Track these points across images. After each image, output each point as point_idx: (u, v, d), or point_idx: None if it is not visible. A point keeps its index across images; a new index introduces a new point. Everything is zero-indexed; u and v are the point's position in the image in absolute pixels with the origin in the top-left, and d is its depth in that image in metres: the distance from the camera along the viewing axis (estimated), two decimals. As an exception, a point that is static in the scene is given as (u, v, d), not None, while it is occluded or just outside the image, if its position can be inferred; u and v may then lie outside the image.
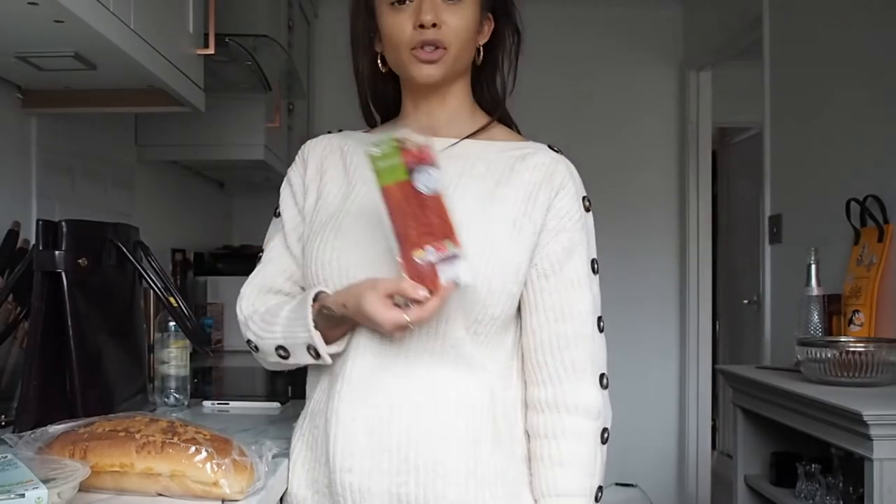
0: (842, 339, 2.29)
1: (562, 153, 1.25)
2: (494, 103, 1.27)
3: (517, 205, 1.17)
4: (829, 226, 2.67)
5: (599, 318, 1.23)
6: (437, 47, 1.15)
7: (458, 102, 1.23)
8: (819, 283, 2.47)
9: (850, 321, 2.42)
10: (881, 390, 2.02)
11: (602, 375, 1.21)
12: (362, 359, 1.13)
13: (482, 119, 1.25)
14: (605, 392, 1.21)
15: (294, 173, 1.28)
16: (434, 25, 1.14)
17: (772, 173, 3.19)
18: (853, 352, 2.06)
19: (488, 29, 1.23)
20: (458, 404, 1.12)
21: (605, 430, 1.20)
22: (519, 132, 1.30)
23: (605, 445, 1.21)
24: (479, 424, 1.13)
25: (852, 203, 2.50)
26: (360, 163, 1.18)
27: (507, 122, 1.29)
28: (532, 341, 1.19)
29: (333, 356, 1.15)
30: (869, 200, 2.45)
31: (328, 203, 1.22)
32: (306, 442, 1.21)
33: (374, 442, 1.11)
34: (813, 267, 2.47)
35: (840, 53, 2.71)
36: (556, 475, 1.18)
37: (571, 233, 1.19)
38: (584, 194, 1.23)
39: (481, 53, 1.23)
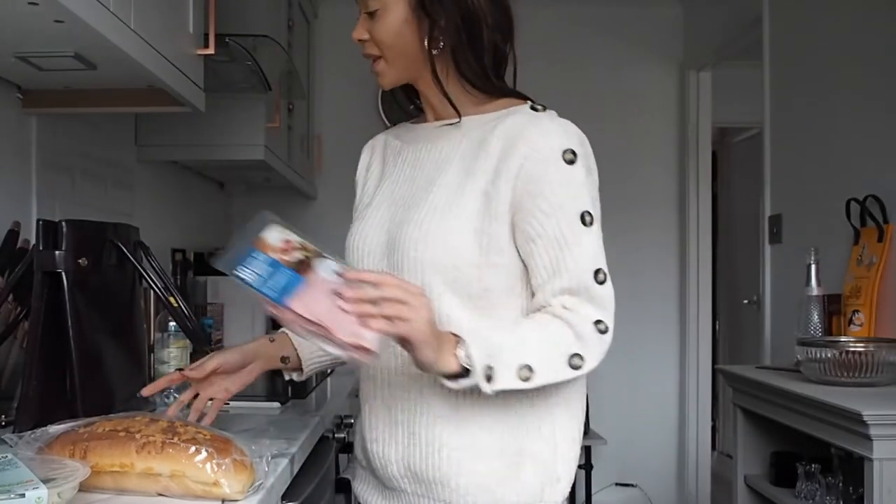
0: (842, 339, 2.29)
1: (544, 109, 1.27)
2: (480, 82, 1.28)
3: (487, 174, 1.21)
4: (828, 226, 2.67)
5: (597, 271, 1.19)
6: (374, 59, 1.28)
7: (435, 91, 1.27)
8: (819, 283, 2.47)
9: (850, 321, 2.42)
10: (881, 390, 2.02)
11: (599, 321, 1.18)
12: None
13: (479, 97, 1.28)
14: (604, 337, 1.19)
15: (357, 173, 1.45)
16: (362, 41, 1.27)
17: (772, 173, 3.19)
18: (853, 352, 2.06)
19: (426, 24, 1.24)
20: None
21: (578, 355, 1.16)
22: (527, 98, 1.31)
23: (571, 371, 1.16)
24: (481, 401, 1.18)
25: (852, 203, 2.50)
26: (391, 156, 1.36)
27: (513, 93, 1.31)
28: (536, 303, 1.21)
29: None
30: (869, 200, 2.45)
31: (365, 195, 1.38)
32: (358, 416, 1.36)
33: (390, 417, 1.25)
34: (813, 267, 2.47)
35: (840, 53, 2.71)
36: (521, 325, 1.19)
37: (548, 193, 1.19)
38: (567, 147, 1.21)
39: (441, 44, 1.24)
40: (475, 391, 1.14)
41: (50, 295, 1.28)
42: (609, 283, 1.20)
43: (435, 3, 1.23)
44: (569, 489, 1.25)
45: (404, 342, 1.08)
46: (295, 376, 1.40)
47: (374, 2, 1.25)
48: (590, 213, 1.21)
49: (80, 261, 1.29)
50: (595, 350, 1.18)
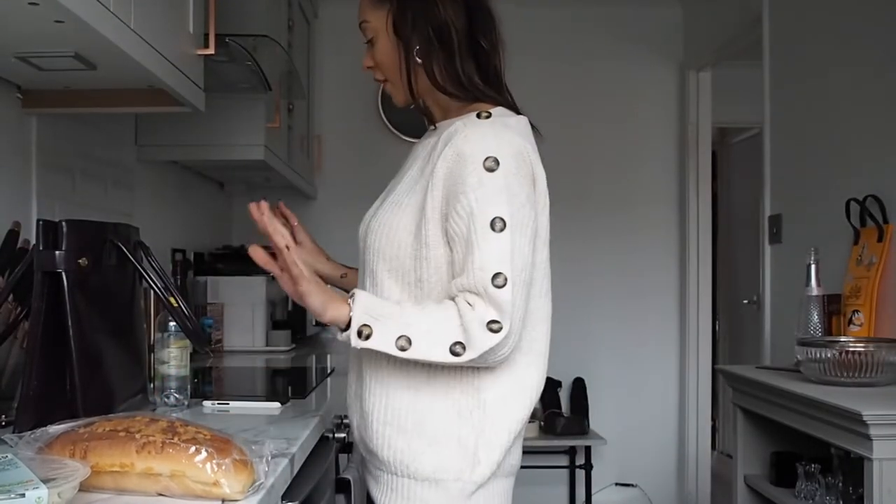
0: (841, 339, 2.29)
1: (489, 117, 1.35)
2: (455, 88, 1.41)
3: (429, 176, 1.33)
4: (828, 226, 2.67)
5: (497, 275, 1.25)
6: (382, 82, 1.48)
7: (434, 102, 1.46)
8: (819, 283, 2.47)
9: (850, 321, 2.42)
10: (881, 390, 2.02)
11: (493, 321, 1.24)
12: None
13: (459, 103, 1.42)
14: (495, 336, 1.24)
15: None
16: (370, 68, 1.48)
17: (772, 173, 3.19)
18: (853, 352, 2.06)
19: (402, 44, 1.41)
20: (385, 356, 1.31)
21: (460, 344, 1.24)
22: (501, 102, 1.41)
23: (451, 356, 1.25)
24: (415, 387, 1.34)
25: (852, 203, 2.50)
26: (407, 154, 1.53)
27: (491, 98, 1.42)
28: (448, 294, 1.32)
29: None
30: (868, 200, 2.45)
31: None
32: None
33: (354, 391, 1.45)
34: (813, 267, 2.47)
35: (840, 53, 2.71)
36: (416, 306, 1.31)
37: (463, 197, 1.28)
38: (490, 155, 1.28)
39: (418, 60, 1.40)
40: (408, 369, 1.32)
41: (50, 295, 1.28)
42: (509, 286, 1.25)
43: (403, 26, 1.39)
44: (490, 470, 1.34)
45: (297, 291, 1.25)
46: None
47: (369, 31, 1.45)
48: (502, 220, 1.26)
49: (80, 261, 1.29)
50: (479, 342, 1.24)
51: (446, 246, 1.32)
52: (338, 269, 1.62)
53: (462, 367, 1.32)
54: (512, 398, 1.36)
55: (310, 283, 1.25)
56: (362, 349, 1.26)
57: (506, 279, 1.24)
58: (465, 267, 1.27)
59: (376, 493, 1.40)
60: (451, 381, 1.34)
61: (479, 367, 1.31)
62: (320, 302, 1.25)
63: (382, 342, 1.24)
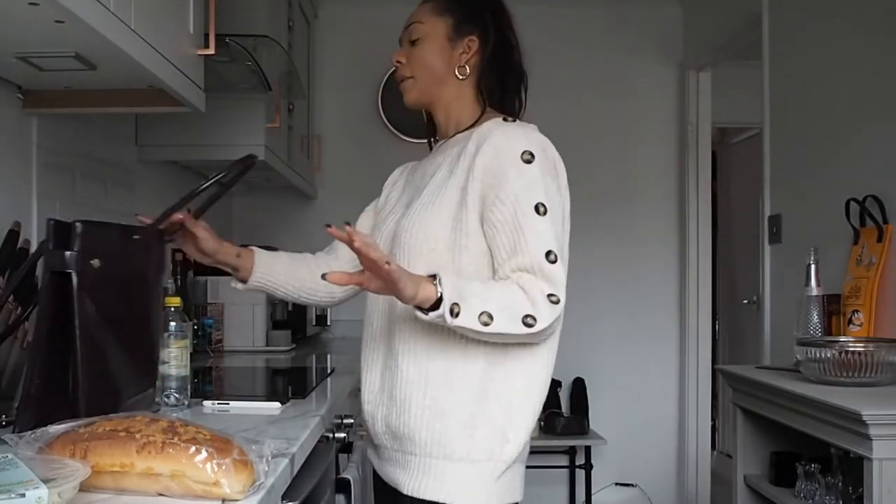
0: (841, 339, 2.29)
1: (515, 120, 1.51)
2: (493, 101, 1.57)
3: (464, 173, 1.44)
4: (828, 226, 2.67)
5: (549, 252, 1.37)
6: (404, 78, 1.57)
7: (445, 111, 1.58)
8: (819, 283, 2.47)
9: (850, 321, 2.42)
10: (880, 390, 2.02)
11: (551, 294, 1.35)
12: (376, 315, 1.54)
13: (478, 113, 1.55)
14: (555, 307, 1.36)
15: (386, 182, 1.77)
16: (400, 62, 1.57)
17: (772, 173, 3.19)
18: (853, 352, 2.06)
19: (458, 53, 1.55)
20: (424, 349, 1.43)
21: (531, 316, 1.33)
22: (510, 114, 1.55)
23: (524, 328, 1.33)
24: (448, 371, 1.42)
25: (852, 203, 2.50)
26: (410, 174, 1.67)
27: (505, 109, 1.57)
28: (497, 278, 1.41)
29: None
30: (868, 200, 2.45)
31: (388, 203, 1.69)
32: None
33: (377, 383, 1.52)
34: (812, 267, 2.47)
35: (840, 53, 2.71)
36: (488, 283, 1.39)
37: (506, 186, 1.39)
38: (526, 149, 1.41)
39: (468, 70, 1.55)
40: (446, 349, 1.41)
41: (58, 295, 1.27)
42: (560, 263, 1.38)
43: (470, 33, 1.54)
44: (517, 450, 1.44)
45: (391, 285, 1.26)
46: (239, 286, 1.66)
47: (417, 31, 1.55)
48: (543, 205, 1.39)
49: (91, 262, 1.28)
50: (545, 314, 1.34)
51: (483, 236, 1.42)
52: (233, 248, 1.63)
53: (495, 351, 1.42)
54: (537, 381, 1.47)
55: (400, 271, 1.26)
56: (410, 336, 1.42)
57: (556, 256, 1.37)
58: (516, 248, 1.37)
59: (404, 478, 1.46)
60: (482, 364, 1.42)
61: (535, 342, 1.41)
62: (412, 284, 1.27)
63: (469, 319, 1.29)
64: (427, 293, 1.27)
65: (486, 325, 1.30)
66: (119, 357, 1.36)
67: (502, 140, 1.43)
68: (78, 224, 1.26)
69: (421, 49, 1.55)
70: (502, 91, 1.57)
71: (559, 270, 1.37)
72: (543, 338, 1.41)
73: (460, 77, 1.54)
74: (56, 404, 1.25)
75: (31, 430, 1.07)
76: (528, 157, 1.41)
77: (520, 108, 1.59)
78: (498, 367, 1.43)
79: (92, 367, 1.28)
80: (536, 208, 1.38)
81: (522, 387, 1.45)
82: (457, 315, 1.28)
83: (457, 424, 1.42)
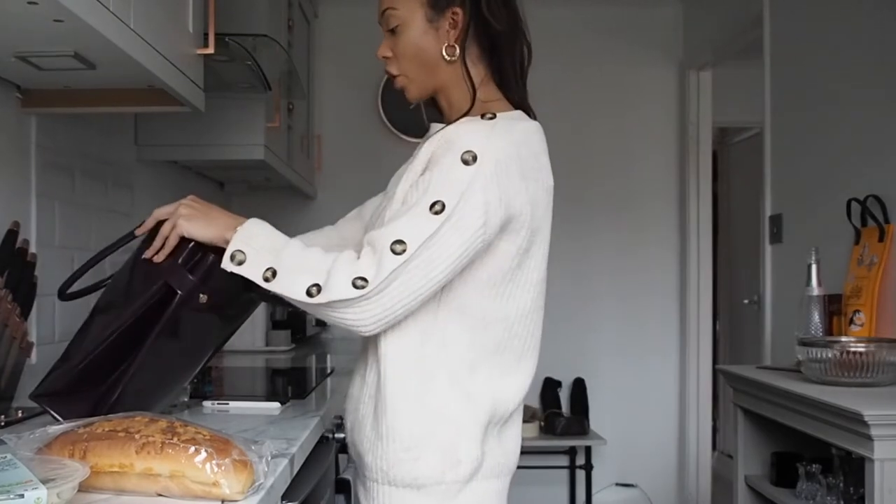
0: (842, 339, 2.29)
1: (492, 118, 1.32)
2: (472, 83, 1.37)
3: (414, 172, 1.33)
4: (829, 226, 2.67)
5: (399, 241, 1.21)
6: (394, 77, 1.42)
7: (447, 98, 1.41)
8: (819, 283, 2.46)
9: (851, 321, 2.42)
10: (882, 390, 2.02)
11: (362, 277, 1.21)
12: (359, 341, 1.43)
13: (468, 104, 1.37)
14: (357, 291, 1.21)
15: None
16: (385, 58, 1.41)
17: (772, 173, 3.19)
18: (854, 352, 2.06)
19: (442, 33, 1.36)
20: (391, 363, 1.32)
21: (317, 286, 1.23)
22: (510, 90, 1.40)
23: (305, 296, 1.23)
24: (401, 393, 1.32)
25: (853, 203, 2.50)
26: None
27: (504, 84, 1.40)
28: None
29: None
30: (869, 200, 2.45)
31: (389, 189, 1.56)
32: None
33: (350, 398, 1.45)
34: (813, 267, 2.47)
35: (840, 53, 2.71)
36: (301, 243, 1.32)
37: (432, 175, 1.27)
38: (470, 149, 1.26)
39: (457, 50, 1.36)
40: (407, 369, 1.31)
41: (155, 300, 1.28)
42: (402, 259, 1.20)
43: (450, 5, 1.35)
44: (471, 468, 1.32)
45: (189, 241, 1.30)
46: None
47: (393, 19, 1.37)
48: (443, 205, 1.23)
49: (201, 295, 1.30)
50: (333, 291, 1.21)
51: None
52: None
53: (459, 372, 1.32)
54: (486, 395, 1.34)
55: (188, 206, 1.34)
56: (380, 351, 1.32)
57: (405, 250, 1.20)
58: (385, 222, 1.26)
59: (363, 501, 1.39)
60: (443, 389, 1.31)
61: (335, 320, 1.26)
62: (217, 229, 1.31)
63: (251, 271, 1.26)
64: (226, 237, 1.28)
65: (266, 280, 1.25)
66: (165, 378, 1.36)
67: (454, 133, 1.30)
68: (211, 255, 1.30)
69: (402, 39, 1.37)
70: (499, 62, 1.39)
71: (393, 264, 1.20)
72: (346, 324, 1.25)
73: (448, 58, 1.35)
74: (86, 390, 1.26)
75: (50, 395, 1.08)
76: (468, 158, 1.25)
77: (522, 79, 1.41)
78: (456, 382, 1.32)
79: (141, 376, 1.29)
80: (433, 205, 1.23)
81: (474, 394, 1.33)
82: (240, 263, 1.25)
83: (402, 449, 1.31)
